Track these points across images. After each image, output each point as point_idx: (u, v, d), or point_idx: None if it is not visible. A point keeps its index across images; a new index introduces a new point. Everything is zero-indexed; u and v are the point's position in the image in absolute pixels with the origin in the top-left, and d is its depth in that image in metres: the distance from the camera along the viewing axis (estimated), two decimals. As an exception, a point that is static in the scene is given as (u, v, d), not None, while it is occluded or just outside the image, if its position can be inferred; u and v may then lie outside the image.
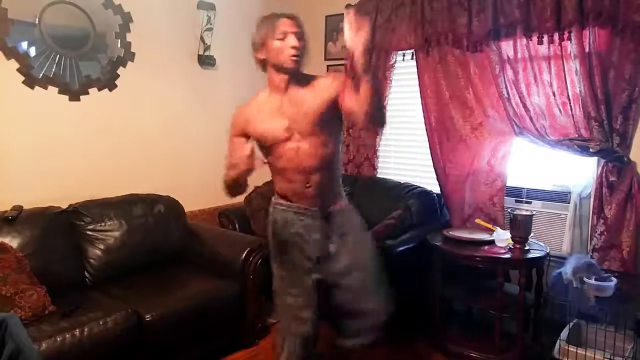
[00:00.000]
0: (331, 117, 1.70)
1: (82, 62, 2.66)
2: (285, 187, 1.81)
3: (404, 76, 3.23)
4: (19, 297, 2.00)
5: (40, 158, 2.56)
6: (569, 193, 2.68)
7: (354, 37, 1.42)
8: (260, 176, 3.48)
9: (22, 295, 2.02)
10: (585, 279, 2.19)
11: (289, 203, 1.81)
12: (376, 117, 1.64)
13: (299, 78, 1.70)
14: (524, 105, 2.63)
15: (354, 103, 1.57)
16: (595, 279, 2.17)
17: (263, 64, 1.72)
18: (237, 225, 3.22)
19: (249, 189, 3.34)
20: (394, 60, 3.22)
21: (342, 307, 1.83)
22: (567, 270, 2.29)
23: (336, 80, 1.70)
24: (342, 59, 3.55)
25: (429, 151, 3.04)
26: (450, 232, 2.64)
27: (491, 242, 2.48)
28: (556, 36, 2.45)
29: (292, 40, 1.63)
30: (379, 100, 1.67)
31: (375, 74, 1.65)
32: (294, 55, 1.63)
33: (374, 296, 1.81)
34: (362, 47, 1.43)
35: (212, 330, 2.45)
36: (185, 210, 2.99)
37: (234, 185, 1.72)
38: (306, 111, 1.67)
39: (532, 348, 2.46)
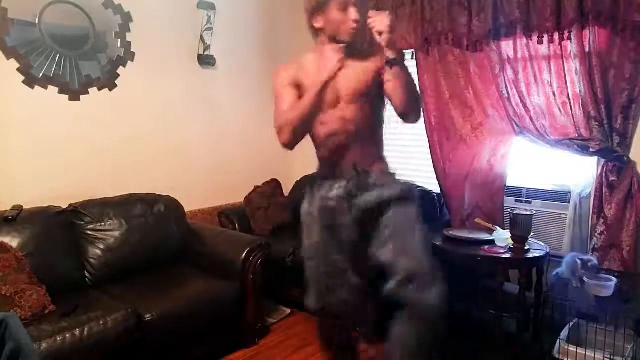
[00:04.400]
0: (377, 93, 1.73)
1: (82, 62, 2.66)
2: (323, 156, 1.79)
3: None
4: (19, 297, 2.00)
5: (40, 158, 2.56)
6: (569, 193, 2.68)
7: (377, 22, 1.52)
8: (260, 176, 3.50)
9: (22, 295, 2.02)
10: (585, 279, 2.19)
11: (330, 179, 1.77)
12: (407, 109, 1.69)
13: (352, 50, 1.67)
14: (524, 105, 2.63)
15: (391, 89, 1.64)
16: (594, 275, 2.17)
17: (316, 32, 1.69)
18: (237, 225, 3.22)
19: (249, 189, 3.37)
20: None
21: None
22: (564, 268, 2.30)
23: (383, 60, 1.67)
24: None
25: (429, 151, 3.04)
26: (450, 232, 2.64)
27: (491, 242, 2.48)
28: (556, 36, 2.45)
29: (353, 13, 1.60)
30: (410, 92, 1.67)
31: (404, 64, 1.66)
32: (354, 29, 1.60)
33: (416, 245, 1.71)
34: (384, 39, 1.53)
35: (212, 330, 2.45)
36: (185, 210, 2.99)
37: (302, 125, 1.64)
38: (354, 86, 1.68)
39: (532, 348, 2.46)
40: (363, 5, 1.64)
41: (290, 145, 1.68)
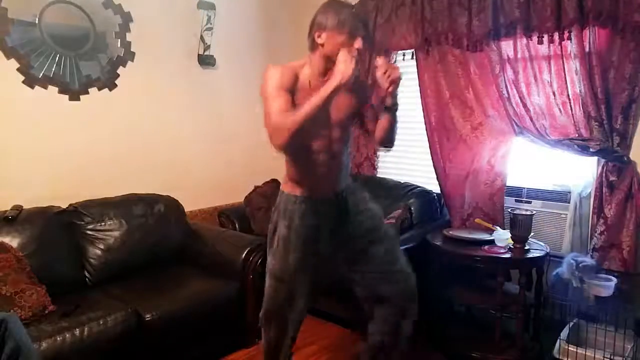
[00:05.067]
0: (359, 109, 1.83)
1: (82, 62, 2.66)
2: (303, 173, 1.80)
3: (404, 76, 3.19)
4: (19, 297, 2.00)
5: (40, 158, 2.56)
6: (569, 193, 2.68)
7: (386, 79, 1.63)
8: (260, 176, 3.50)
9: (22, 294, 2.02)
10: (585, 279, 2.19)
11: (303, 194, 1.79)
12: (387, 143, 1.88)
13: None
14: (524, 105, 2.63)
15: (373, 126, 1.73)
16: (592, 276, 2.17)
17: (314, 46, 1.70)
18: (237, 225, 3.22)
19: (249, 189, 3.37)
20: (394, 59, 3.21)
21: (371, 288, 1.87)
22: (563, 269, 2.30)
23: (373, 85, 1.76)
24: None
25: (429, 151, 3.04)
26: (450, 232, 2.64)
27: (491, 242, 2.48)
28: (556, 36, 2.45)
29: (358, 43, 1.62)
30: (393, 132, 1.84)
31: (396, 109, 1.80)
32: (353, 57, 1.59)
33: (402, 262, 1.87)
34: (393, 88, 1.66)
35: (212, 330, 2.45)
36: (185, 210, 2.99)
37: (302, 130, 1.58)
38: (339, 107, 1.73)
39: (532, 348, 2.46)
40: (368, 40, 1.70)
41: (286, 148, 1.65)
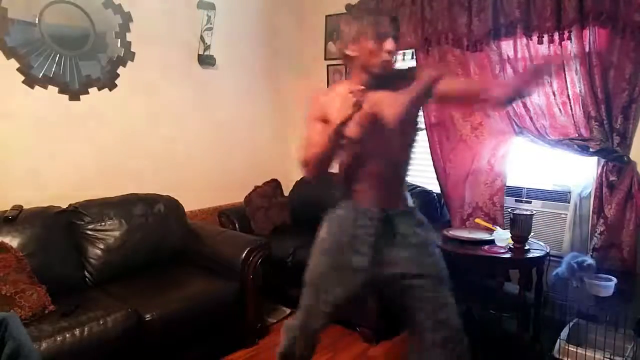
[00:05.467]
0: (411, 120, 1.65)
1: (82, 62, 2.66)
2: (350, 182, 1.70)
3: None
4: (19, 297, 2.00)
5: (40, 158, 2.56)
6: (569, 193, 2.68)
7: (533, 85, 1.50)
8: (260, 176, 3.50)
9: (22, 294, 2.02)
10: (585, 279, 2.19)
11: (355, 202, 1.68)
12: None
13: (383, 80, 1.59)
14: (524, 105, 2.63)
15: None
16: (592, 275, 2.17)
17: (349, 60, 1.61)
18: (237, 225, 3.22)
19: (249, 189, 3.37)
20: (394, 59, 3.21)
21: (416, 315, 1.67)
22: (562, 269, 2.30)
23: (422, 82, 1.57)
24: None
25: (429, 151, 3.04)
26: (450, 232, 2.63)
27: (491, 242, 2.48)
28: (556, 36, 2.45)
29: (389, 44, 1.54)
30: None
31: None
32: (387, 60, 1.55)
33: (449, 305, 1.67)
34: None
35: (212, 330, 2.45)
36: (185, 210, 2.99)
37: (323, 163, 1.55)
38: (397, 112, 1.54)
39: (532, 348, 2.46)
40: (399, 35, 1.60)
41: (314, 179, 1.61)
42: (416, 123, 1.69)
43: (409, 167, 1.73)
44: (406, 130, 1.64)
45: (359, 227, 1.65)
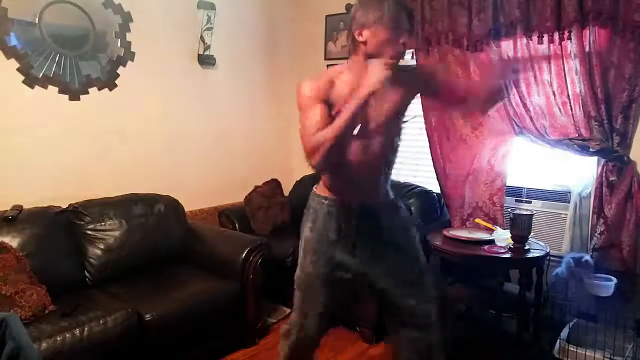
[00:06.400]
0: (405, 109, 1.66)
1: (82, 62, 2.66)
2: (335, 178, 1.67)
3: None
4: (19, 297, 2.00)
5: (40, 158, 2.56)
6: (569, 193, 2.68)
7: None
8: (260, 176, 3.50)
9: (22, 294, 2.02)
10: (584, 278, 2.19)
11: (332, 196, 1.67)
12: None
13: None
14: (524, 105, 2.63)
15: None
16: (591, 274, 2.17)
17: (356, 45, 1.54)
18: (237, 225, 3.22)
19: (249, 189, 3.37)
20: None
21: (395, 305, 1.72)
22: (562, 269, 2.30)
23: (424, 73, 1.62)
24: (341, 58, 3.55)
25: (429, 151, 3.04)
26: (450, 232, 2.63)
27: (491, 242, 2.48)
28: (556, 36, 2.45)
29: (404, 37, 1.50)
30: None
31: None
32: (399, 53, 1.51)
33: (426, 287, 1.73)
34: None
35: (212, 330, 2.45)
36: (185, 210, 2.99)
37: (337, 146, 1.46)
38: (387, 106, 1.58)
39: (532, 348, 2.46)
40: (413, 31, 1.56)
41: (322, 167, 1.57)
42: (403, 116, 1.69)
43: (394, 161, 1.73)
44: (394, 125, 1.65)
45: (342, 223, 1.64)
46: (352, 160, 1.59)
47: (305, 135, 1.48)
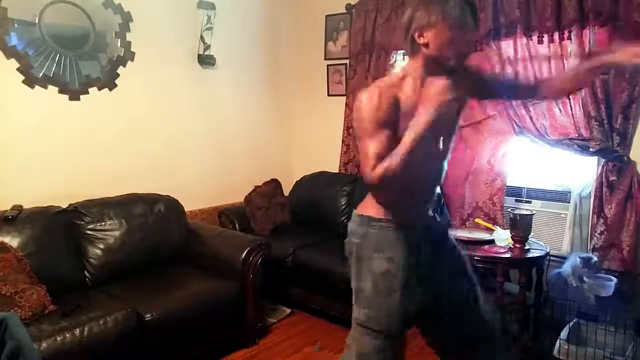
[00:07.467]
0: (460, 113, 1.56)
1: (82, 62, 2.66)
2: (399, 196, 1.50)
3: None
4: (19, 297, 2.00)
5: (40, 158, 2.56)
6: (569, 192, 2.68)
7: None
8: (260, 176, 3.50)
9: (22, 294, 2.02)
10: (585, 278, 2.19)
11: (390, 218, 1.49)
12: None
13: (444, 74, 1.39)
14: (524, 105, 2.63)
15: None
16: (594, 275, 2.17)
17: (415, 48, 1.40)
18: (237, 225, 3.22)
19: (249, 189, 3.37)
20: (394, 59, 3.22)
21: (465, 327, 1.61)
22: (567, 267, 2.30)
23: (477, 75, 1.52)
24: (341, 58, 3.55)
25: (429, 151, 3.04)
26: (450, 232, 2.63)
27: (491, 242, 2.48)
28: (556, 35, 2.45)
29: (470, 35, 1.39)
30: None
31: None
32: (466, 53, 1.41)
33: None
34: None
35: (212, 330, 2.45)
36: (185, 210, 2.98)
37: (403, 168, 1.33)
38: (447, 118, 1.43)
39: (532, 347, 2.46)
40: (477, 28, 1.43)
41: (388, 190, 1.46)
42: (458, 121, 1.59)
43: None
44: (451, 131, 1.55)
45: (414, 246, 1.49)
46: (417, 174, 1.44)
47: (366, 165, 1.36)
